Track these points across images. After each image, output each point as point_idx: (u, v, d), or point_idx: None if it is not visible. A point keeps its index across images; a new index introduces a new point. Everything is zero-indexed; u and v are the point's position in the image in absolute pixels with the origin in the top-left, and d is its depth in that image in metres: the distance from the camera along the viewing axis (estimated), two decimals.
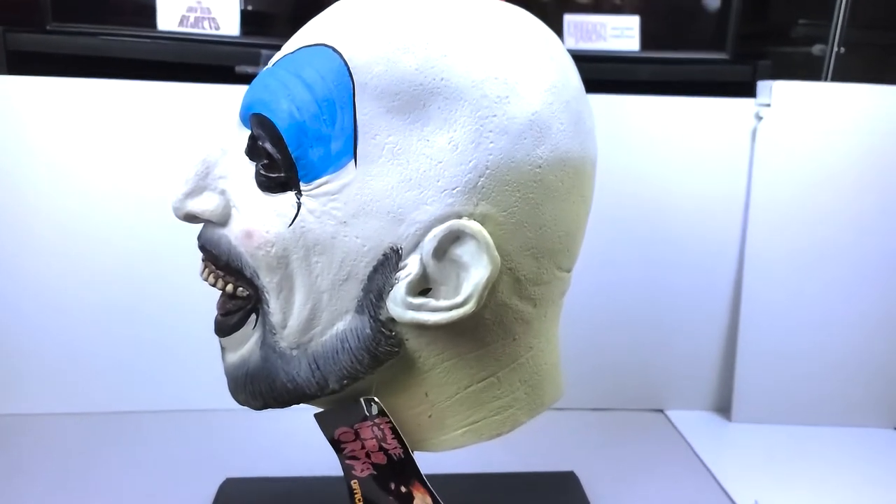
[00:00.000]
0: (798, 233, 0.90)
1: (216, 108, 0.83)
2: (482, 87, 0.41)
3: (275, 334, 0.46)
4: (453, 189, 0.41)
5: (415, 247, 0.42)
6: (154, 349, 0.89)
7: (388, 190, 0.42)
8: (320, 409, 0.50)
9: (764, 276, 0.92)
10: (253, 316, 0.48)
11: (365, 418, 0.47)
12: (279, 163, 0.43)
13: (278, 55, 0.45)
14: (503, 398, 0.48)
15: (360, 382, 0.46)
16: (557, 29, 0.98)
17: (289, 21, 1.01)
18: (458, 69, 0.41)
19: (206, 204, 0.46)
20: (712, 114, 0.89)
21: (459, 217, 0.42)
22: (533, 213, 0.43)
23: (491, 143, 0.41)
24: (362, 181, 0.42)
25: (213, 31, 0.90)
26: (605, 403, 0.95)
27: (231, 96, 0.85)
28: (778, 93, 0.87)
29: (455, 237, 0.42)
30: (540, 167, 0.43)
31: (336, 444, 0.50)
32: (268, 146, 0.43)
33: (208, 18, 0.90)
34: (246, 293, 0.47)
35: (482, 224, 0.42)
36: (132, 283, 0.88)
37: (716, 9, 1.00)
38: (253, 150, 0.45)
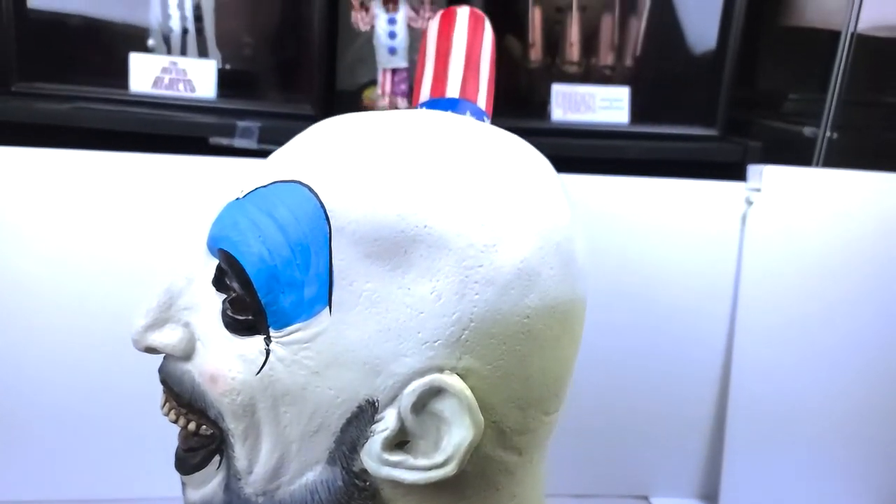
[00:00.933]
0: (788, 320, 0.88)
1: (189, 181, 0.80)
2: (468, 236, 0.38)
3: (239, 479, 0.43)
4: (435, 342, 0.38)
5: (392, 399, 0.39)
6: (146, 435, 0.85)
7: (364, 340, 0.39)
8: None
9: (753, 362, 0.90)
10: (217, 456, 0.44)
11: None
12: (247, 304, 0.40)
13: (249, 183, 0.42)
14: None
15: None
16: (545, 98, 0.96)
17: (266, 81, 0.98)
18: (442, 216, 0.38)
19: (168, 338, 0.43)
20: (702, 197, 0.88)
21: (441, 370, 0.39)
22: (520, 364, 0.40)
23: (476, 294, 0.38)
24: (337, 330, 0.39)
25: (189, 94, 0.87)
26: (588, 489, 0.92)
27: (205, 168, 0.83)
28: (768, 178, 0.86)
29: (436, 392, 0.39)
30: (528, 317, 0.40)
31: None
32: (235, 286, 0.40)
33: (183, 80, 0.86)
34: (210, 432, 0.44)
35: (465, 378, 0.38)
36: (108, 364, 0.83)
37: (707, 80, 0.99)
38: (220, 283, 0.42)
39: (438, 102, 0.57)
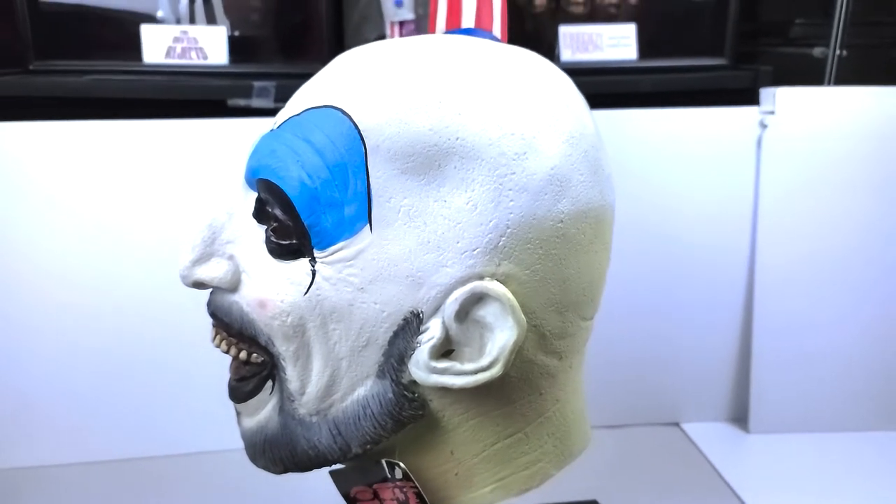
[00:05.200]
0: (808, 240, 0.89)
1: (211, 144, 0.81)
2: (499, 145, 0.39)
3: (293, 401, 0.45)
4: (474, 250, 0.40)
5: (436, 310, 0.40)
6: (162, 392, 0.88)
7: (405, 254, 0.40)
8: (337, 467, 0.48)
9: (776, 284, 0.91)
10: (269, 382, 0.46)
11: (385, 479, 0.46)
12: (291, 229, 0.41)
13: (282, 115, 0.43)
14: (531, 453, 0.46)
15: (382, 443, 0.44)
16: (553, 40, 0.97)
17: (276, 45, 0.99)
18: (473, 127, 0.39)
19: (214, 271, 0.44)
20: (716, 124, 0.88)
21: (481, 278, 0.40)
22: (556, 268, 0.41)
23: (511, 201, 0.39)
24: (378, 246, 0.40)
25: (202, 62, 0.88)
26: (621, 420, 0.94)
27: (225, 130, 0.85)
28: (782, 100, 0.86)
29: (478, 299, 0.40)
30: (562, 221, 0.41)
31: (351, 502, 0.48)
32: (278, 212, 0.41)
33: (195, 49, 0.88)
34: (261, 359, 0.45)
35: (505, 284, 0.40)
36: (133, 327, 0.86)
37: (712, 12, 0.99)
38: (261, 214, 0.43)
39: (455, 33, 0.57)
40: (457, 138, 0.39)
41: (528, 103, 0.41)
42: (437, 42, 0.44)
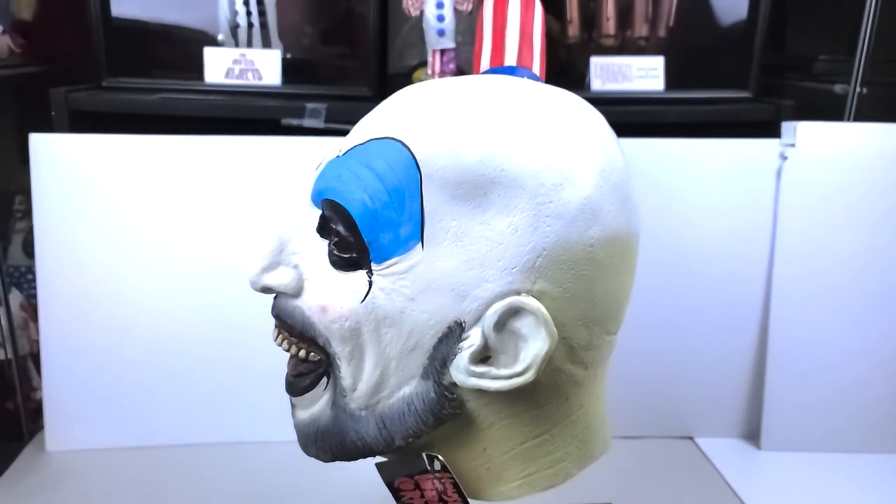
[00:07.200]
0: (823, 264, 0.93)
1: (264, 158, 0.88)
2: (539, 177, 0.44)
3: (345, 396, 0.50)
4: (513, 268, 0.45)
5: (477, 320, 0.46)
6: (219, 381, 0.94)
7: (452, 269, 0.45)
8: (382, 459, 0.53)
9: (791, 306, 0.95)
10: (324, 378, 0.51)
11: (426, 471, 0.50)
12: (352, 244, 0.47)
13: (347, 144, 0.49)
14: (556, 453, 0.51)
15: (423, 438, 0.49)
16: (584, 71, 1.02)
17: (325, 68, 1.06)
18: (516, 160, 0.44)
19: (281, 278, 0.50)
20: (738, 154, 0.93)
21: (518, 293, 0.45)
22: (586, 287, 0.46)
23: (547, 227, 0.45)
24: (429, 262, 0.45)
25: (257, 82, 0.95)
26: (637, 431, 0.98)
27: (278, 147, 0.91)
28: (802, 133, 0.90)
29: (514, 312, 0.45)
30: (592, 246, 0.46)
31: (395, 492, 0.53)
32: (340, 229, 0.47)
33: (252, 70, 0.95)
34: (318, 358, 0.51)
35: (539, 300, 0.45)
36: (196, 329, 0.92)
37: (738, 47, 1.03)
38: (324, 229, 0.49)
39: (499, 70, 0.63)
40: (502, 169, 0.44)
41: (566, 140, 0.46)
42: (485, 83, 0.49)
